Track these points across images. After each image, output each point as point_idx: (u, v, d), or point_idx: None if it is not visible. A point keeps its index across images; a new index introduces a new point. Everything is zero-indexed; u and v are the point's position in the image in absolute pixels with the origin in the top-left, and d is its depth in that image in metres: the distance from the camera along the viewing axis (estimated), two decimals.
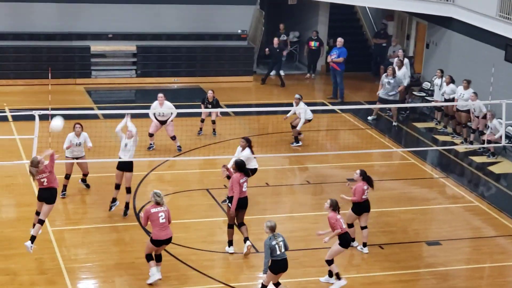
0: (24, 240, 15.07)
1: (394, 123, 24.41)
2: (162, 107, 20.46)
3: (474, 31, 24.48)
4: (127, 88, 27.36)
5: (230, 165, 16.88)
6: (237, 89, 27.22)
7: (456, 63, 25.45)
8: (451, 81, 23.42)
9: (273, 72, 28.72)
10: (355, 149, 21.76)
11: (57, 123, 15.99)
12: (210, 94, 22.05)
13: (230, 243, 15.83)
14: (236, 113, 24.03)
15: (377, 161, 21.27)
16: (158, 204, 14.16)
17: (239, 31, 28.68)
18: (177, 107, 20.95)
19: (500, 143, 19.39)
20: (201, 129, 22.39)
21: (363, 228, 16.12)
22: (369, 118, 24.70)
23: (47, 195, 14.89)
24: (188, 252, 15.73)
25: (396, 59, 25.73)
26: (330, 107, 25.41)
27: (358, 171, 15.92)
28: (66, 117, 18.83)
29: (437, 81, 24.31)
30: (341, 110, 25.17)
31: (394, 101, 24.23)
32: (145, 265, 14.83)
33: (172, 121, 20.82)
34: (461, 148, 22.39)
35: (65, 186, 17.97)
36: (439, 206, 18.71)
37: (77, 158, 17.94)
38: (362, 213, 16.02)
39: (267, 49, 28.27)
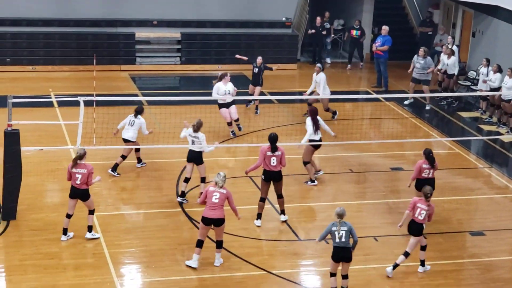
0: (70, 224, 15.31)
1: (427, 107, 24.38)
2: (227, 86, 20.59)
3: None
4: (171, 75, 27.49)
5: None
6: (281, 77, 27.14)
7: (503, 52, 25.10)
8: (499, 70, 23.08)
9: (328, 60, 28.92)
10: (399, 138, 21.63)
11: None
12: (259, 59, 22.64)
13: (259, 216, 16.35)
14: (279, 101, 23.98)
15: (421, 150, 21.03)
16: (216, 184, 14.33)
17: (284, 18, 28.61)
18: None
19: None
20: (250, 101, 22.90)
21: None
22: (406, 102, 24.70)
23: (81, 193, 15.11)
24: (231, 239, 15.77)
25: (443, 46, 25.51)
26: (374, 95, 25.29)
27: (424, 150, 16.34)
28: (111, 103, 19.09)
29: (483, 70, 24.01)
30: (385, 98, 25.02)
31: (426, 81, 24.51)
32: (187, 251, 14.95)
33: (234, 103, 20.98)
34: (506, 138, 22.11)
35: (117, 165, 18.36)
36: (484, 196, 18.51)
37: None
38: None
39: (312, 30, 28.33)
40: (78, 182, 15.00)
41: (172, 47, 27.96)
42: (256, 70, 22.71)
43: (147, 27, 27.57)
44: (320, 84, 22.11)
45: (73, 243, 15.24)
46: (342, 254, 13.58)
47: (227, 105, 20.84)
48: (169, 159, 19.08)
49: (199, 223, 16.23)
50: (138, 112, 18.43)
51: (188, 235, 15.82)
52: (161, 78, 27.20)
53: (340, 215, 13.57)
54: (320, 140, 18.12)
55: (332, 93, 22.62)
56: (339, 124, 22.50)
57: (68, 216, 15.31)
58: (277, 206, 16.89)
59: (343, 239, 13.47)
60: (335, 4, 30.83)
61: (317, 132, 18.01)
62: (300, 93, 24.99)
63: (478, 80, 24.71)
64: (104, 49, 26.94)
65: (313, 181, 18.42)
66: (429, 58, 24.72)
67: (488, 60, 23.97)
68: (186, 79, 27.16)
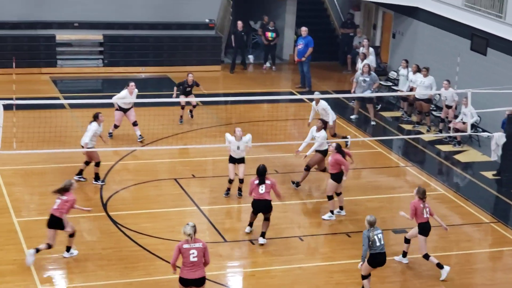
0: None
1: (373, 122, 23.55)
2: (132, 96, 20.37)
3: (440, 21, 24.64)
4: (93, 77, 27.16)
5: (301, 148, 18.49)
6: (205, 79, 27.00)
7: (422, 53, 25.61)
8: (418, 70, 23.48)
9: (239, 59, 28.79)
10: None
11: None
12: (190, 77, 22.07)
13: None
14: (204, 103, 23.89)
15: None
16: (190, 237, 12.66)
17: (207, 20, 28.58)
18: (144, 96, 20.84)
19: (467, 131, 19.48)
20: (181, 117, 22.43)
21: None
22: (352, 117, 23.99)
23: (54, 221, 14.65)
24: (156, 242, 15.67)
25: (360, 49, 25.83)
26: (298, 96, 25.44)
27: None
28: (31, 106, 18.73)
29: (403, 71, 24.44)
30: (309, 99, 25.20)
31: (371, 99, 23.54)
32: (112, 256, 14.76)
33: (132, 107, 20.72)
34: (427, 137, 22.52)
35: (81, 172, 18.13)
36: (406, 195, 18.79)
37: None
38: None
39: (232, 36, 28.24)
40: (55, 208, 14.68)
41: (94, 49, 27.62)
42: (188, 89, 22.21)
43: (68, 29, 27.17)
44: (327, 112, 20.89)
45: None
46: (379, 258, 13.79)
47: (125, 110, 20.76)
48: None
49: (123, 226, 16.16)
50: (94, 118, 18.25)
51: (113, 239, 15.66)
52: (83, 81, 26.85)
53: (371, 223, 13.59)
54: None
55: (257, 94, 22.62)
56: (263, 125, 22.57)
57: None
58: (203, 208, 16.91)
59: (382, 242, 13.62)
60: (259, 6, 30.95)
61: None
62: (224, 95, 25.00)
63: (398, 80, 25.13)
64: (24, 51, 26.44)
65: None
66: (373, 73, 23.72)
67: (407, 61, 24.40)
68: (109, 82, 26.86)
